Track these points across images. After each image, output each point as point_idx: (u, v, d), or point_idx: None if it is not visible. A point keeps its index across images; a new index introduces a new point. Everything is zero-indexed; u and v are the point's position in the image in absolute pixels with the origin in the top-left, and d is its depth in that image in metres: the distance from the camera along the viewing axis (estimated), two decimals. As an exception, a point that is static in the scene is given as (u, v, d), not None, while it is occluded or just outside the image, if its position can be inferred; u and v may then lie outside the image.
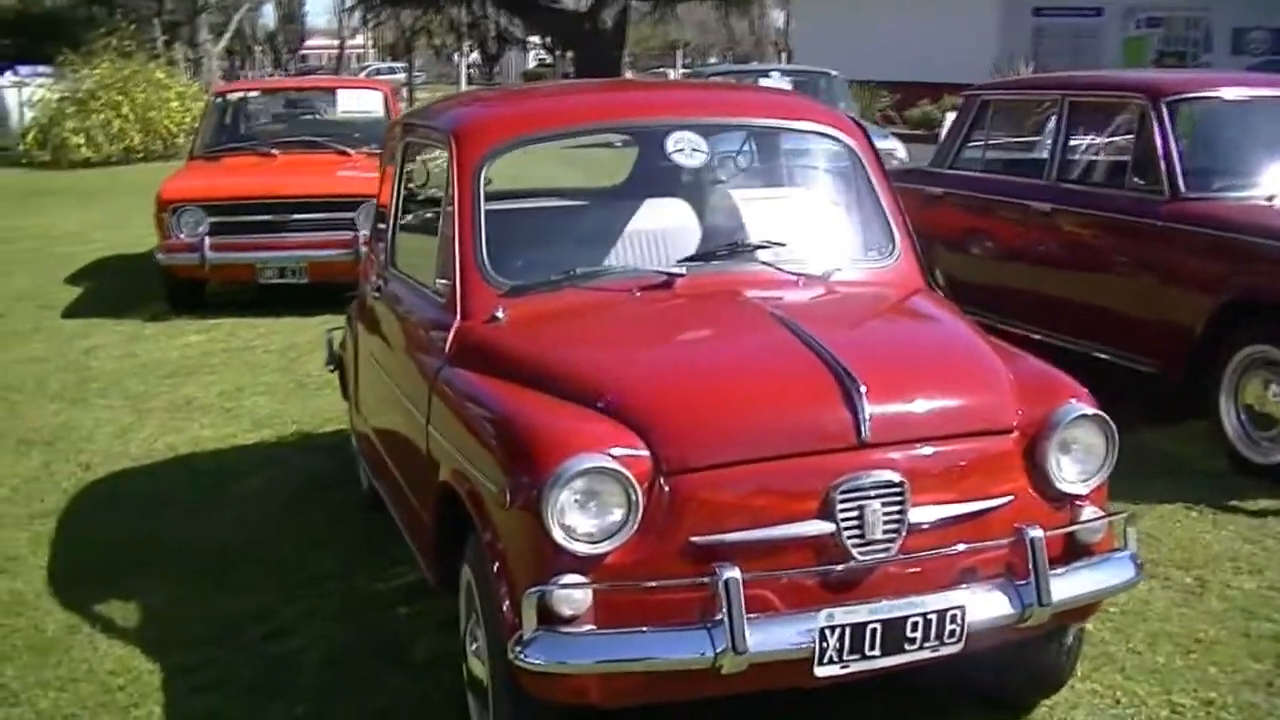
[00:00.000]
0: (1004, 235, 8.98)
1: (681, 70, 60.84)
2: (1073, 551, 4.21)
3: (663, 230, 5.29)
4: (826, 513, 3.84)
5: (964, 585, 3.95)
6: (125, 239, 16.57)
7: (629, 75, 67.80)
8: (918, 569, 3.93)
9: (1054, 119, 8.82)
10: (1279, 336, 7.04)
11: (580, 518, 3.76)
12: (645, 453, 3.84)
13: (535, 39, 48.63)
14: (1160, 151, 7.84)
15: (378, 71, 69.44)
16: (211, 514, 6.97)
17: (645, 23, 49.46)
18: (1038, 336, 8.62)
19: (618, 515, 3.77)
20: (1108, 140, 8.86)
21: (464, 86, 46.32)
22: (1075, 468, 4.22)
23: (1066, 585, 4.07)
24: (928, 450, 3.99)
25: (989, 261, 9.17)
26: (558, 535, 3.73)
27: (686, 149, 5.22)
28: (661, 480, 3.82)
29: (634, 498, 3.76)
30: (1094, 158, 8.93)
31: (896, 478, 3.89)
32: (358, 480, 6.92)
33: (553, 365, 4.33)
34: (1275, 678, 4.98)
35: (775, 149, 5.94)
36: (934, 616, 3.85)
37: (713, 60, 75.99)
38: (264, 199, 12.15)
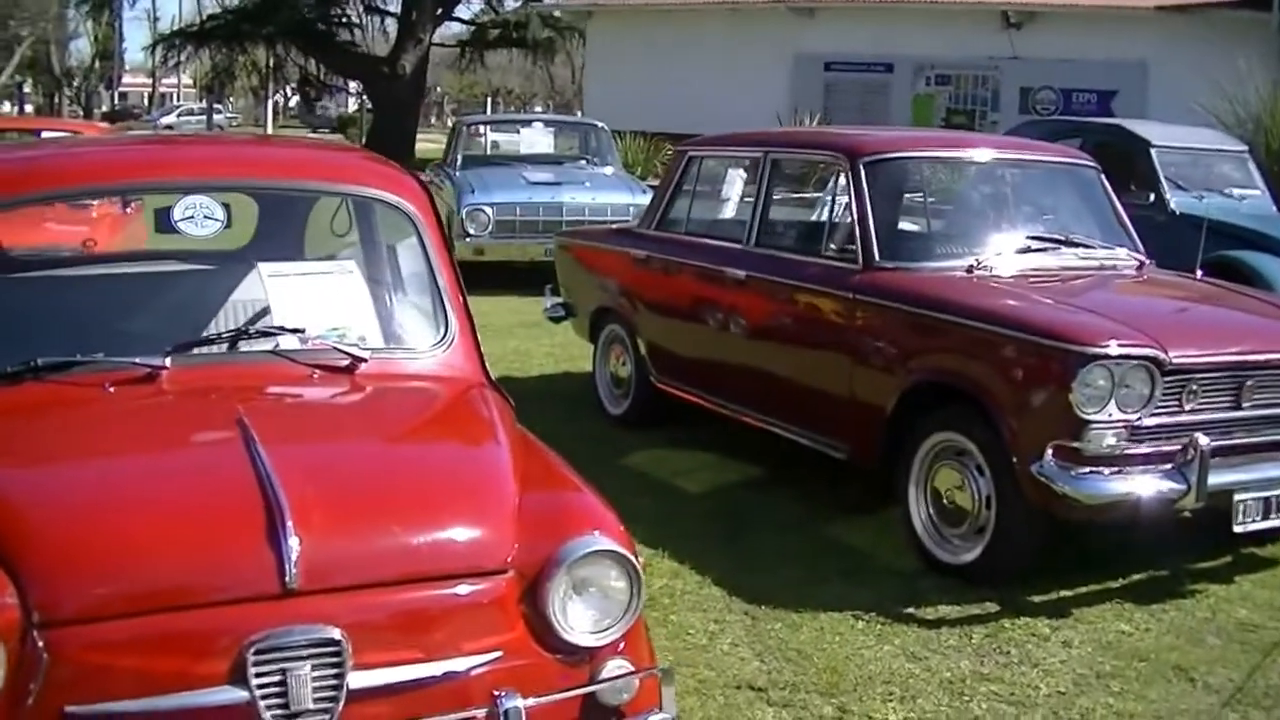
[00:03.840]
0: (703, 304, 8.21)
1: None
2: (594, 716, 3.41)
3: (168, 310, 4.44)
4: (240, 678, 3.04)
5: (428, 768, 3.15)
6: None
7: (450, 122, 66.93)
8: (364, 750, 3.11)
9: (756, 179, 8.11)
10: (969, 424, 6.36)
11: None
12: (15, 600, 3.01)
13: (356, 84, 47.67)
14: (855, 216, 7.17)
15: (190, 111, 68.04)
16: None
17: (455, 69, 48.82)
18: (738, 416, 7.96)
19: None
20: (808, 203, 8.18)
21: (269, 131, 45.03)
22: (589, 615, 3.43)
23: (566, 767, 3.28)
24: (380, 598, 3.22)
25: (689, 333, 8.42)
26: None
27: (197, 217, 4.37)
28: (35, 634, 3.00)
29: None
30: (794, 221, 8.26)
31: (333, 634, 3.10)
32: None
33: None
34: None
35: (320, 215, 5.10)
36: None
37: (539, 109, 75.43)
38: None
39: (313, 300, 4.49)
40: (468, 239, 15.33)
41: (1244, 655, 5.70)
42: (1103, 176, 8.05)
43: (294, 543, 3.15)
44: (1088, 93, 23.37)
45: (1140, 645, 5.78)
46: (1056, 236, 7.49)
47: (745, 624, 5.89)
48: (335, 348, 4.28)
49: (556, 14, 37.64)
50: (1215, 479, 6.01)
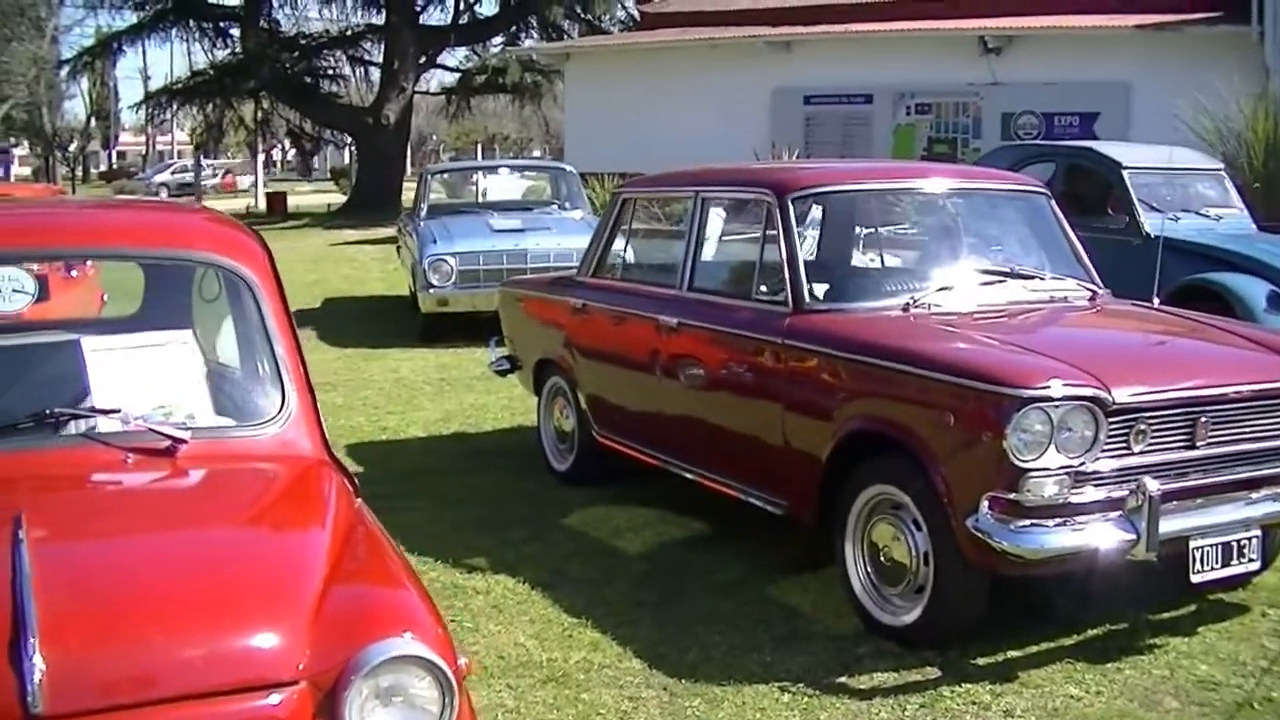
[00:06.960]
0: (638, 353, 7.80)
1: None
2: None
3: None
4: None
5: None
6: None
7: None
8: None
9: (688, 220, 7.71)
10: (903, 476, 5.93)
11: None
12: None
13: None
14: (784, 256, 6.76)
15: (185, 168, 67.89)
16: None
17: (441, 116, 48.62)
18: (676, 471, 7.55)
19: None
20: (740, 244, 7.77)
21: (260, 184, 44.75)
22: None
23: None
24: None
25: (626, 383, 8.03)
26: None
27: (4, 291, 4.00)
28: None
29: None
30: (727, 264, 7.84)
31: None
32: None
33: None
34: None
35: (149, 283, 4.72)
36: None
37: (537, 153, 75.26)
38: None
39: (140, 376, 4.11)
40: (431, 290, 14.95)
41: (1202, 719, 5.25)
42: (1053, 202, 7.63)
43: (38, 661, 2.78)
44: (1070, 115, 22.93)
45: (1089, 711, 5.34)
46: (1001, 269, 7.07)
47: (662, 701, 5.46)
48: (151, 429, 3.87)
49: (534, 57, 37.35)
50: (1168, 525, 5.57)
